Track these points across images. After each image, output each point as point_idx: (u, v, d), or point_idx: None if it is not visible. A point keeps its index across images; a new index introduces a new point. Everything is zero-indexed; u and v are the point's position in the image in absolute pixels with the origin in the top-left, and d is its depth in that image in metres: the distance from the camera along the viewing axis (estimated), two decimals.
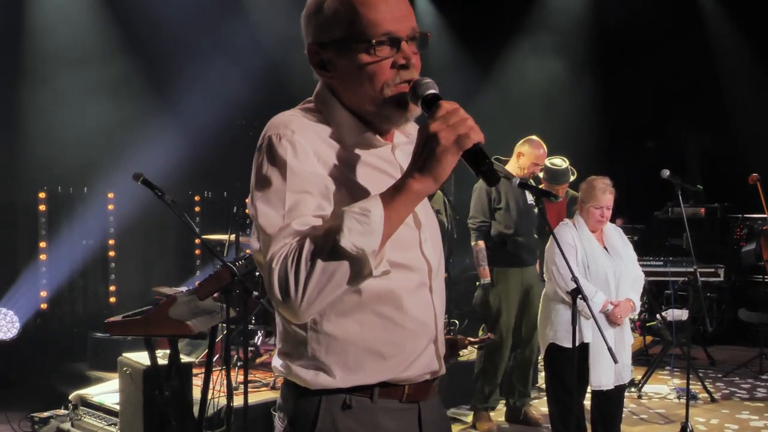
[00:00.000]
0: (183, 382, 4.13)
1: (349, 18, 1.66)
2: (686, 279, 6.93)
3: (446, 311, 7.52)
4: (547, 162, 5.89)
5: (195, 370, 4.70)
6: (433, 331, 1.79)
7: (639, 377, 6.75)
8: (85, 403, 5.11)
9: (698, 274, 5.44)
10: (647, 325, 8.26)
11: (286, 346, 1.76)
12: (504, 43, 10.29)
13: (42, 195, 7.01)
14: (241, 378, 4.41)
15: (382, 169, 1.75)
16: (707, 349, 8.02)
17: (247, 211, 6.03)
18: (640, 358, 7.59)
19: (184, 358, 4.61)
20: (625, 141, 10.04)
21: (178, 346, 4.12)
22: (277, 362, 1.79)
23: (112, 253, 7.47)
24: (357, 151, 1.73)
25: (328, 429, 1.70)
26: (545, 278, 4.64)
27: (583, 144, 8.85)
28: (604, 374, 4.35)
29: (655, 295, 8.28)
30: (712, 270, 7.42)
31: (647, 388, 6.72)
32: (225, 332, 4.22)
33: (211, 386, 4.21)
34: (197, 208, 8.23)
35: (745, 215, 9.17)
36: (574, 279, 3.79)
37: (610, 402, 4.48)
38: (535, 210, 5.43)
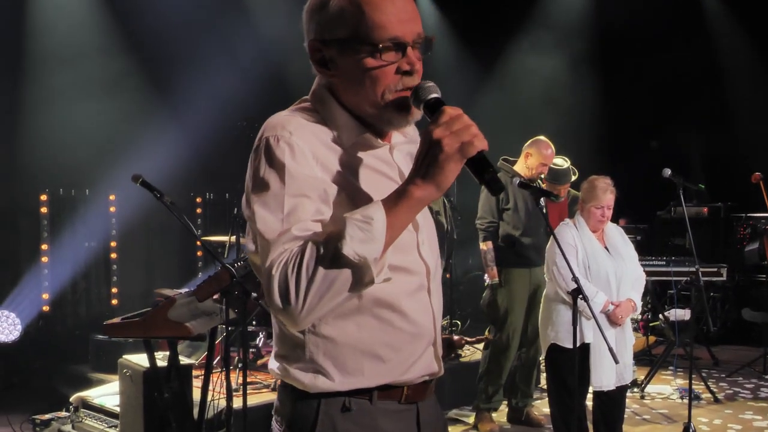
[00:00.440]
0: (183, 383, 4.12)
1: (355, 18, 1.63)
2: (689, 279, 6.91)
3: (449, 312, 7.51)
4: None
5: (195, 372, 4.69)
6: (431, 333, 1.78)
7: (642, 377, 6.74)
8: (85, 405, 5.11)
9: (700, 273, 5.41)
10: (650, 325, 8.24)
11: (283, 348, 1.74)
12: (506, 43, 10.28)
13: (44, 197, 7.02)
14: (241, 380, 4.40)
15: (380, 171, 1.74)
16: (711, 349, 7.99)
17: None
18: (643, 358, 7.57)
19: (184, 360, 4.60)
20: (628, 140, 10.02)
21: (177, 348, 4.11)
22: (273, 364, 1.78)
23: (114, 255, 7.48)
24: (355, 152, 1.71)
25: None
26: (546, 278, 4.63)
27: (585, 144, 8.82)
28: (605, 375, 4.33)
29: (658, 295, 8.26)
30: (715, 269, 7.38)
31: (650, 389, 6.70)
32: (224, 334, 4.22)
33: (210, 388, 4.21)
34: (199, 210, 8.23)
35: (749, 214, 9.14)
36: (575, 279, 3.79)
37: (612, 402, 4.47)
38: (544, 210, 5.45)
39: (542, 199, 4.46)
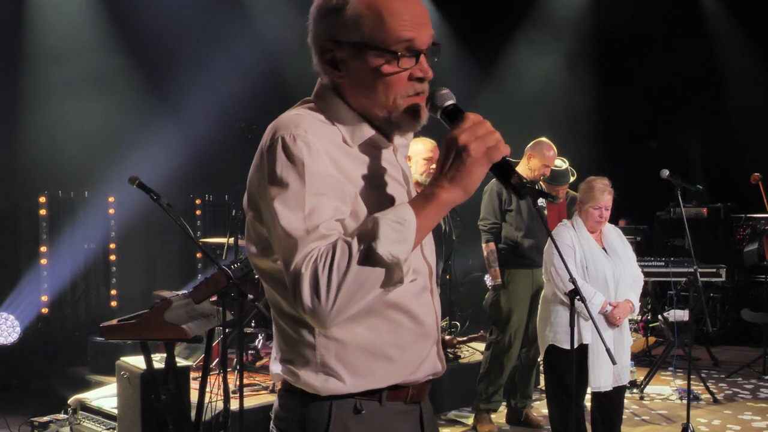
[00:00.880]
0: (180, 385, 4.12)
1: (373, 24, 1.64)
2: (688, 279, 6.91)
3: (448, 313, 7.50)
4: None
5: (192, 374, 4.69)
6: (435, 333, 1.82)
7: (641, 378, 6.73)
8: (84, 407, 5.11)
9: (699, 274, 5.41)
10: (650, 325, 8.24)
11: (290, 353, 1.72)
12: (505, 43, 10.28)
13: (43, 199, 7.01)
14: (239, 382, 4.39)
15: (387, 172, 1.76)
16: (710, 349, 7.98)
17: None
18: (642, 358, 7.57)
19: (182, 362, 4.60)
20: (627, 141, 10.02)
21: (174, 350, 4.11)
22: (277, 368, 1.76)
23: (113, 257, 7.46)
24: (363, 152, 1.73)
25: None
26: (544, 279, 4.63)
27: (584, 144, 8.83)
28: (603, 375, 4.33)
29: (657, 296, 8.26)
30: (714, 270, 7.39)
31: (649, 389, 6.69)
32: (222, 336, 4.22)
33: (208, 390, 4.20)
34: (198, 212, 8.22)
35: (748, 215, 9.14)
36: (572, 280, 3.78)
37: (610, 403, 4.47)
38: (546, 211, 5.46)
39: (541, 199, 4.46)
